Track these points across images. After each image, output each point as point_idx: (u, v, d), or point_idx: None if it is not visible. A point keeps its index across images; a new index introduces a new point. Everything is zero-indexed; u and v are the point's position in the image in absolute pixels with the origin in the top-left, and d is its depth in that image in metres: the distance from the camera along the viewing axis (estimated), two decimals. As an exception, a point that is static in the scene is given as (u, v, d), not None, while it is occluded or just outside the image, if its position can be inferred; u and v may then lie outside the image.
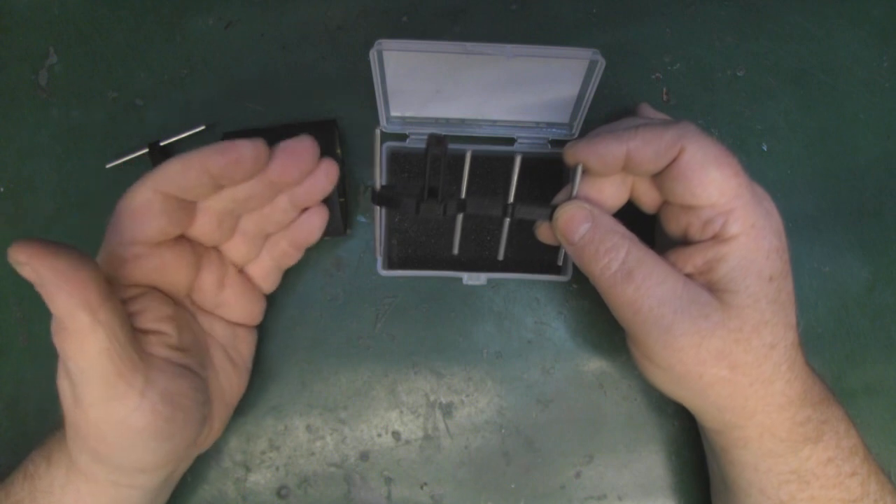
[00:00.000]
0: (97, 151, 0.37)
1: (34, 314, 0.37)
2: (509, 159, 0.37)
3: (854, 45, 0.39)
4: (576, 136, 0.36)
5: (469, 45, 0.30)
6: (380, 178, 0.30)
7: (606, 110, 0.37)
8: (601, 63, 0.31)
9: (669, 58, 0.38)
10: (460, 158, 0.37)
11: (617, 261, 0.28)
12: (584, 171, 0.29)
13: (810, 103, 0.39)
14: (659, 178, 0.29)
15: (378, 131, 0.29)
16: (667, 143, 0.27)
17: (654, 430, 0.37)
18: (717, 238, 0.27)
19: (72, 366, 0.25)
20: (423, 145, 0.36)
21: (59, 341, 0.25)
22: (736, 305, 0.27)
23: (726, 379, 0.27)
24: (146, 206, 0.27)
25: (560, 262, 0.33)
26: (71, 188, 0.37)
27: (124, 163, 0.37)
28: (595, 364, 0.37)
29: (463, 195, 0.30)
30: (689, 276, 0.28)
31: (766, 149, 0.38)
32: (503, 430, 0.37)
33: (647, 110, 0.33)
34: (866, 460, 0.30)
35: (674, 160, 0.27)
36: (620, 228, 0.29)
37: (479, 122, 0.37)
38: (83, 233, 0.37)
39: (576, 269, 0.36)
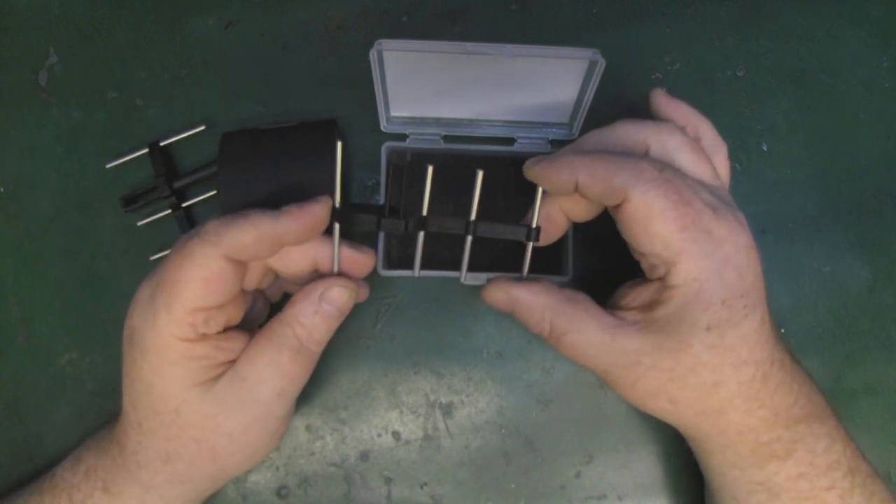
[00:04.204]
0: (97, 151, 0.37)
1: (34, 314, 0.37)
2: (506, 160, 0.37)
3: (854, 45, 0.39)
4: (576, 136, 0.36)
5: (469, 45, 0.30)
6: (339, 196, 0.29)
7: (606, 110, 0.37)
8: (601, 63, 0.31)
9: (669, 58, 0.38)
10: (458, 161, 0.37)
11: (544, 332, 0.30)
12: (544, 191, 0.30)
13: (810, 103, 0.39)
14: (612, 210, 0.29)
15: (339, 145, 0.28)
16: (614, 188, 0.27)
17: (654, 430, 0.37)
18: (662, 281, 0.28)
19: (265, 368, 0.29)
20: (423, 145, 0.36)
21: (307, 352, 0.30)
22: (667, 348, 0.27)
23: (670, 410, 0.28)
24: (220, 274, 0.27)
25: (524, 274, 0.32)
26: (71, 188, 0.37)
27: (124, 163, 0.37)
28: (595, 364, 0.37)
29: (425, 212, 0.30)
30: (635, 308, 0.29)
31: (766, 149, 0.38)
32: (503, 430, 0.37)
33: (660, 100, 0.31)
34: (850, 474, 0.30)
35: (621, 204, 0.27)
36: (542, 300, 0.29)
37: (479, 122, 0.37)
38: (83, 233, 0.37)
39: (576, 269, 0.36)
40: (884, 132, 0.39)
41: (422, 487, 0.37)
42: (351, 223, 0.30)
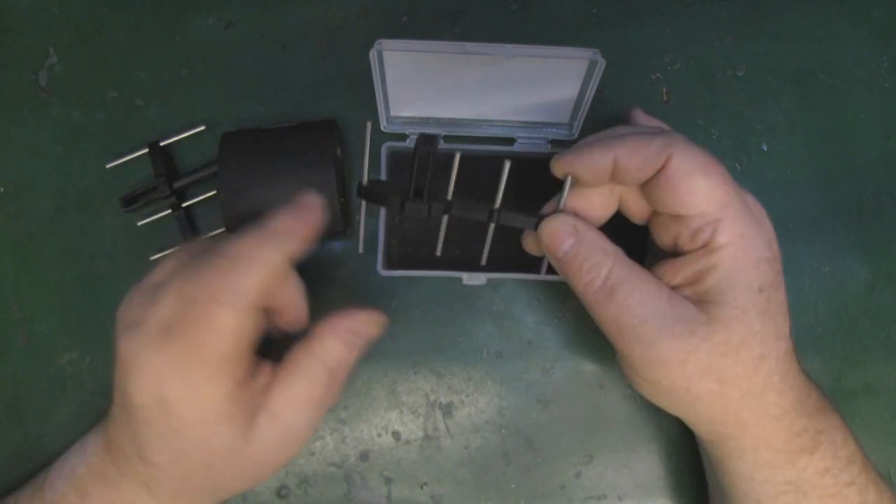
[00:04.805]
0: (97, 151, 0.37)
1: (34, 314, 0.37)
2: (506, 160, 0.37)
3: (854, 45, 0.39)
4: (576, 136, 0.36)
5: (469, 45, 0.30)
6: (367, 173, 0.29)
7: (606, 110, 0.37)
8: (601, 63, 0.31)
9: (669, 58, 0.38)
10: (459, 159, 0.37)
11: (600, 278, 0.28)
12: (574, 183, 0.29)
13: (810, 103, 0.39)
14: (647, 187, 0.28)
15: (369, 124, 0.28)
16: (654, 152, 0.27)
17: (654, 430, 0.37)
18: (706, 248, 0.27)
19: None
20: (437, 135, 0.36)
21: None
22: (723, 318, 0.26)
23: (715, 392, 0.27)
24: (255, 326, 0.28)
25: (542, 273, 0.32)
26: (71, 188, 0.37)
27: (124, 163, 0.37)
28: (595, 364, 0.37)
29: (450, 197, 0.30)
30: (678, 287, 0.28)
31: (766, 149, 0.38)
32: (503, 430, 0.37)
33: (640, 116, 0.33)
34: (864, 469, 0.30)
35: (661, 169, 0.27)
36: (605, 244, 0.29)
37: (479, 122, 0.37)
38: (83, 233, 0.37)
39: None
40: (884, 132, 0.39)
41: (422, 487, 0.37)
42: (374, 202, 0.30)
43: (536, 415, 0.37)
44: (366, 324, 0.30)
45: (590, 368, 0.37)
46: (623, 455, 0.37)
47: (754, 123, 0.38)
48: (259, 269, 0.27)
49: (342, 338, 0.30)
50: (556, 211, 0.30)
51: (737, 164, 0.38)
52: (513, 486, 0.37)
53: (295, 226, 0.28)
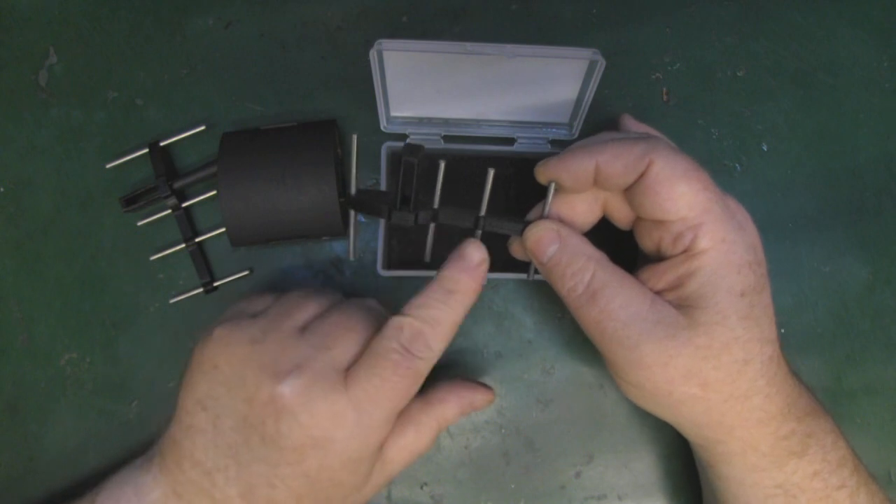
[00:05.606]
0: (97, 151, 0.37)
1: (34, 314, 0.37)
2: (506, 160, 0.37)
3: (854, 45, 0.39)
4: (576, 136, 0.36)
5: (469, 45, 0.30)
6: (355, 183, 0.30)
7: (606, 110, 0.37)
8: (601, 63, 0.31)
9: (669, 58, 0.39)
10: (458, 160, 0.37)
11: (583, 283, 0.28)
12: (557, 189, 0.29)
13: (810, 103, 0.39)
14: (629, 193, 0.28)
15: (355, 137, 0.29)
16: (635, 157, 0.27)
17: (654, 430, 0.37)
18: (688, 253, 0.27)
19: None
20: (423, 145, 0.36)
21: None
22: (704, 322, 0.26)
23: (698, 396, 0.27)
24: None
25: (530, 278, 0.33)
26: (71, 188, 0.37)
27: (124, 163, 0.37)
28: (595, 364, 0.37)
29: (436, 205, 0.30)
30: (661, 291, 0.28)
31: (766, 149, 0.38)
32: (503, 430, 0.37)
33: (629, 122, 0.33)
34: (855, 472, 0.30)
35: (643, 175, 0.27)
36: (588, 250, 0.29)
37: (479, 122, 0.37)
38: (83, 233, 0.37)
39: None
40: (884, 132, 0.39)
41: (422, 487, 0.37)
42: (362, 211, 0.30)
43: (536, 415, 0.37)
44: (483, 402, 0.32)
45: (590, 368, 0.37)
46: (623, 455, 0.37)
47: (754, 123, 0.38)
48: (449, 332, 0.28)
49: (461, 408, 0.32)
50: (541, 217, 0.30)
51: (737, 164, 0.38)
52: (513, 486, 0.37)
53: (474, 287, 0.29)
